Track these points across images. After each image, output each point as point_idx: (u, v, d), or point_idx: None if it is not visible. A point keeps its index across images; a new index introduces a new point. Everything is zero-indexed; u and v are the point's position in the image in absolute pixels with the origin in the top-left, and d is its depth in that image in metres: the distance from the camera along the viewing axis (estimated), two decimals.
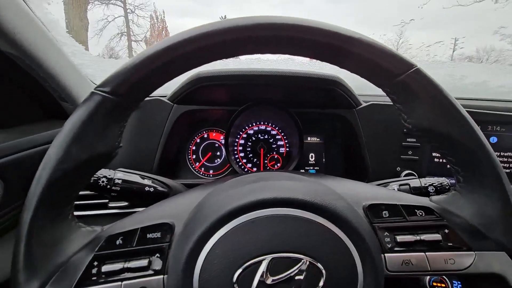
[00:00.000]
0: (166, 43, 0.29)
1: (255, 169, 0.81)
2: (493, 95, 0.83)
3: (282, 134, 0.82)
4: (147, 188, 0.45)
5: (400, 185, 0.52)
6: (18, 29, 0.46)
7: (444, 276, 0.60)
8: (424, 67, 0.32)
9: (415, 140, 0.68)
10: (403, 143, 0.68)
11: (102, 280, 0.28)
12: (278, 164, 0.81)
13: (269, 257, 0.27)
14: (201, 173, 0.80)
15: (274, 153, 0.82)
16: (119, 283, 0.28)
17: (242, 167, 0.81)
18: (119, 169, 0.45)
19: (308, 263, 0.27)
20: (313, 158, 0.83)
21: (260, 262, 0.26)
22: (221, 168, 0.82)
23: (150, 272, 0.29)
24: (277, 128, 0.82)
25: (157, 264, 0.30)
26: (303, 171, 0.81)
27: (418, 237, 0.32)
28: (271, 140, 0.82)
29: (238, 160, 0.81)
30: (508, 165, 0.69)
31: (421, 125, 0.32)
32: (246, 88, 0.67)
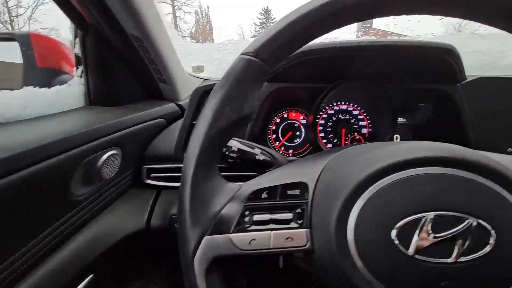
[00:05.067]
0: (306, 9, 0.29)
1: None
2: None
3: (365, 114, 0.79)
4: (257, 157, 0.47)
5: None
6: (142, 11, 0.51)
7: None
8: None
9: None
10: None
11: (255, 228, 0.31)
12: None
13: (431, 214, 0.26)
14: (280, 152, 0.82)
15: (356, 133, 0.79)
16: (269, 232, 0.30)
17: (323, 148, 0.80)
18: (234, 138, 0.48)
19: (475, 223, 0.25)
20: (398, 140, 0.78)
21: (420, 219, 0.26)
22: (301, 148, 0.82)
23: (295, 225, 0.31)
24: (359, 108, 0.79)
25: (299, 218, 0.31)
26: None
27: None
28: (352, 121, 0.80)
29: (319, 140, 0.80)
30: None
31: None
32: (342, 64, 0.65)
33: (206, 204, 0.31)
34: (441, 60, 0.59)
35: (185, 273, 0.30)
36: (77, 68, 0.59)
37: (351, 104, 0.79)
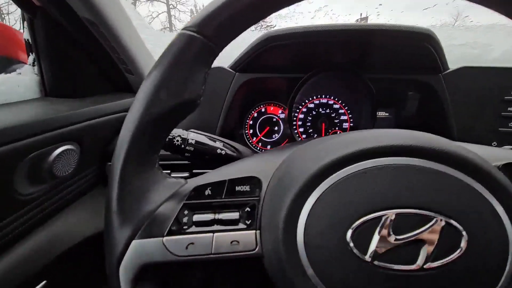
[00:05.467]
0: None
1: None
2: None
3: (346, 108, 0.75)
4: (218, 151, 0.43)
5: None
6: None
7: None
8: None
9: None
10: (503, 113, 0.57)
11: (194, 230, 0.26)
12: None
13: (392, 213, 0.22)
14: (258, 148, 0.77)
15: (337, 128, 0.76)
16: (211, 234, 0.26)
17: None
18: (191, 130, 0.44)
19: (443, 222, 0.21)
20: None
21: (380, 218, 0.22)
22: (279, 143, 0.78)
23: (242, 226, 0.27)
24: (340, 101, 0.75)
25: (248, 218, 0.27)
26: None
27: None
28: (333, 115, 0.76)
29: (297, 135, 0.76)
30: None
31: None
32: (315, 51, 0.61)
33: (138, 202, 0.27)
34: (420, 47, 0.55)
35: (109, 282, 0.26)
36: (29, 56, 0.54)
37: (332, 98, 0.75)
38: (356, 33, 0.54)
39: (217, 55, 0.30)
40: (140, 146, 0.27)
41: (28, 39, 0.52)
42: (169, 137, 0.40)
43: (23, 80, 0.54)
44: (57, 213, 0.55)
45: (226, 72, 0.64)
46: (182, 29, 0.27)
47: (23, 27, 0.51)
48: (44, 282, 0.51)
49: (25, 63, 0.60)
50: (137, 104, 0.26)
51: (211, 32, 0.27)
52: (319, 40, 0.57)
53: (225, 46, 0.30)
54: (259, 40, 0.58)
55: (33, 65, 0.55)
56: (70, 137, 0.52)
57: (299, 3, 0.29)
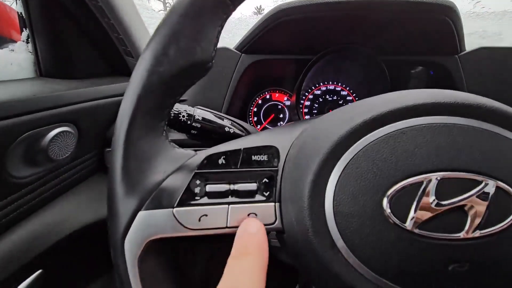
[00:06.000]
0: None
1: None
2: None
3: (354, 95, 0.73)
4: (227, 129, 0.40)
5: None
6: None
7: None
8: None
9: None
10: None
11: (207, 202, 0.24)
12: None
13: (435, 176, 0.19)
14: None
15: None
16: (226, 206, 0.23)
17: None
18: (197, 106, 0.41)
19: (493, 187, 0.19)
20: None
21: (421, 182, 0.19)
22: None
23: (260, 198, 0.24)
24: (347, 87, 0.73)
25: (266, 189, 0.24)
26: None
27: None
28: (341, 102, 0.73)
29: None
30: None
31: None
32: (326, 29, 0.58)
33: (144, 171, 0.24)
34: (439, 21, 0.52)
35: (114, 259, 0.23)
36: (22, 32, 0.51)
37: (339, 84, 0.73)
38: (375, 4, 0.51)
39: (231, 13, 0.27)
40: (146, 108, 0.24)
41: (21, 13, 0.49)
42: (175, 111, 0.38)
43: (16, 58, 0.50)
44: (54, 199, 0.52)
45: (232, 53, 0.61)
46: None
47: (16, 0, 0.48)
48: (39, 271, 0.48)
49: (15, 40, 0.56)
50: (143, 62, 0.24)
51: None
52: (334, 15, 0.54)
53: (240, 4, 0.27)
54: (269, 15, 0.54)
55: (27, 42, 0.52)
56: (67, 118, 0.49)
57: None
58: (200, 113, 0.39)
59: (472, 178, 0.19)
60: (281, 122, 0.75)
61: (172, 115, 0.37)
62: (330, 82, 0.73)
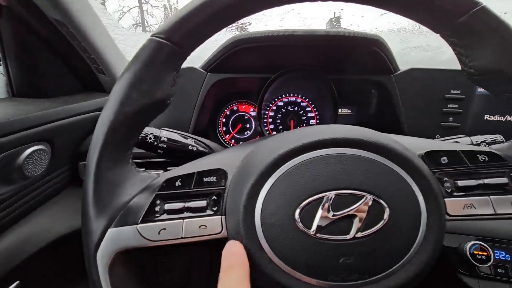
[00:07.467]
0: None
1: None
2: None
3: (313, 106, 0.81)
4: (190, 147, 0.46)
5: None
6: None
7: (485, 244, 0.58)
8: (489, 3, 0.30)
9: (456, 106, 0.65)
10: (444, 110, 0.65)
11: (165, 217, 0.29)
12: None
13: (331, 194, 0.27)
14: (231, 145, 0.81)
15: (305, 124, 0.81)
16: (181, 220, 0.29)
17: None
18: (163, 128, 0.46)
19: (371, 200, 0.26)
20: None
21: (322, 198, 0.27)
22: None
23: (209, 212, 0.30)
24: (307, 99, 0.81)
25: (215, 205, 0.30)
26: None
27: (481, 181, 0.30)
28: (301, 112, 0.81)
29: (268, 132, 0.81)
30: None
31: (485, 67, 0.30)
32: (282, 53, 0.66)
33: (113, 195, 0.30)
34: (371, 51, 0.62)
35: (88, 270, 0.28)
36: None
37: (299, 96, 0.81)
38: (316, 38, 0.59)
39: (185, 59, 0.33)
40: (113, 143, 0.29)
41: None
42: (142, 135, 0.43)
43: None
44: (30, 213, 0.55)
45: (198, 72, 0.67)
46: (151, 35, 0.30)
47: None
48: (17, 283, 0.51)
49: None
50: (110, 104, 0.29)
51: (178, 39, 0.30)
52: (285, 44, 0.62)
53: (193, 51, 0.33)
54: (228, 43, 0.61)
55: None
56: (40, 137, 0.52)
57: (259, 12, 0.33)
58: (165, 134, 0.44)
59: (358, 194, 0.27)
60: (248, 132, 0.82)
61: (140, 137, 0.42)
62: (291, 94, 0.81)
